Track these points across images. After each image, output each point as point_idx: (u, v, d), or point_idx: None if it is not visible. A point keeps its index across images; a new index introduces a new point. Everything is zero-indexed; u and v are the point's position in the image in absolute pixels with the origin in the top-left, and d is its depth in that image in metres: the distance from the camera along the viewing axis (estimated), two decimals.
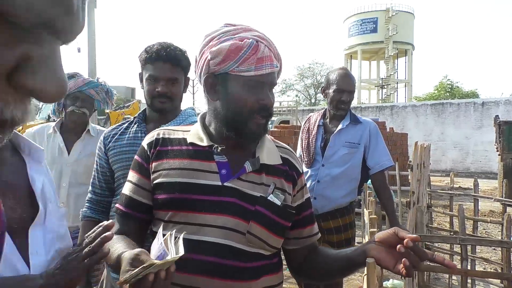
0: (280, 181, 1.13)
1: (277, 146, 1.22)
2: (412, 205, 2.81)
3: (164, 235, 0.90)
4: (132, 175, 1.16)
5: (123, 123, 1.80)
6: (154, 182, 1.10)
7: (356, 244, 4.27)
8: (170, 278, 0.82)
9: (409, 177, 3.67)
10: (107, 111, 11.33)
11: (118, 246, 0.98)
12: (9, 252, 0.88)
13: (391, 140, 11.62)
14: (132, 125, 1.76)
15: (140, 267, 0.78)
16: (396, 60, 40.14)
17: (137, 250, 0.88)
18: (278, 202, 1.08)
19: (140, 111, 1.81)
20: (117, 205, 1.17)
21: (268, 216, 1.06)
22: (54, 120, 2.75)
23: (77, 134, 2.40)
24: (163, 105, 1.66)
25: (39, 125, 2.57)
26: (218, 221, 1.03)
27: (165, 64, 1.63)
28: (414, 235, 0.97)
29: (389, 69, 39.15)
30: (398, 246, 0.96)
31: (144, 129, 1.71)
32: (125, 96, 20.69)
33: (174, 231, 0.93)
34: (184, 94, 1.77)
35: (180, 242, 0.84)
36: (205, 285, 1.01)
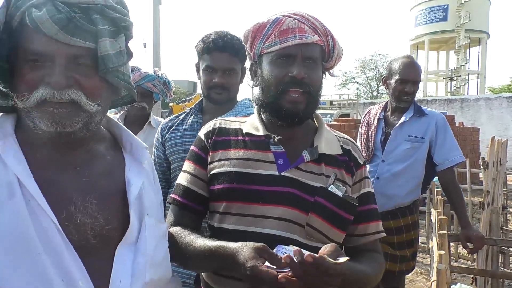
0: (341, 172, 1.08)
1: (337, 136, 1.17)
2: (487, 206, 2.56)
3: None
4: (188, 166, 1.14)
5: (180, 115, 1.81)
6: (211, 172, 1.08)
7: (419, 245, 4.00)
8: None
9: (481, 175, 3.36)
10: (170, 104, 11.78)
11: (197, 239, 0.97)
12: (78, 277, 0.64)
13: (461, 135, 10.89)
14: (189, 116, 1.76)
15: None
16: (468, 49, 37.23)
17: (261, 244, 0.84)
18: (340, 193, 1.03)
19: (196, 103, 1.81)
20: (172, 195, 1.15)
21: (329, 208, 1.01)
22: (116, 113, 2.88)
23: (140, 126, 2.49)
24: (220, 96, 1.64)
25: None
26: (275, 212, 1.00)
27: (222, 54, 1.60)
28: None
29: (460, 60, 36.42)
30: None
31: (200, 121, 1.70)
32: (187, 89, 21.40)
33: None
34: (241, 84, 1.74)
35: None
36: None
